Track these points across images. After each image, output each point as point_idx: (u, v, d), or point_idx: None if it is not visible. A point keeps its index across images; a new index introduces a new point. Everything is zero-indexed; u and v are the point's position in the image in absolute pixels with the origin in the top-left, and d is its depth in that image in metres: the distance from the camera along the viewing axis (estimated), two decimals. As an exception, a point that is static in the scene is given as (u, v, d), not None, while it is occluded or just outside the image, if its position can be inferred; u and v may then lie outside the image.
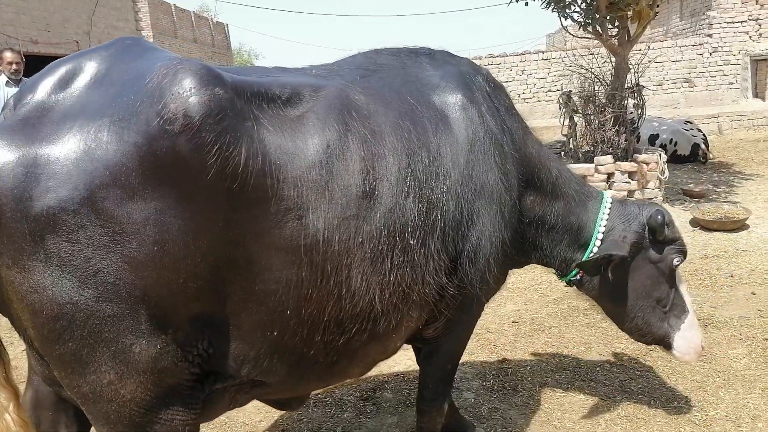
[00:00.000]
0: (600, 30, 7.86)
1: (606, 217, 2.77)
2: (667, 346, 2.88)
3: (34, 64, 10.92)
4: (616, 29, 8.05)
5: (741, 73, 16.84)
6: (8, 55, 7.02)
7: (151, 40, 23.94)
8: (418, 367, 2.85)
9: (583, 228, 2.78)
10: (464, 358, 4.00)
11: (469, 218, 2.25)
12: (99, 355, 1.61)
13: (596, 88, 8.10)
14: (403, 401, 3.52)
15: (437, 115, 2.24)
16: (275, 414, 3.40)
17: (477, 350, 4.16)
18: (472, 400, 3.49)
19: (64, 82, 1.67)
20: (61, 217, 1.51)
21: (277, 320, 1.83)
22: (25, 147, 1.54)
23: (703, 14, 17.27)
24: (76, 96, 1.65)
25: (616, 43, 8.03)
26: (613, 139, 7.77)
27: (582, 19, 8.07)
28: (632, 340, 3.28)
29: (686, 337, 2.82)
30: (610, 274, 2.68)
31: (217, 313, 1.75)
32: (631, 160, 7.56)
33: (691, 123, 11.50)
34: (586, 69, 8.01)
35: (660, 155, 7.64)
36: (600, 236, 2.75)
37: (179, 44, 28.20)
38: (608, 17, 7.68)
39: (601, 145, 7.87)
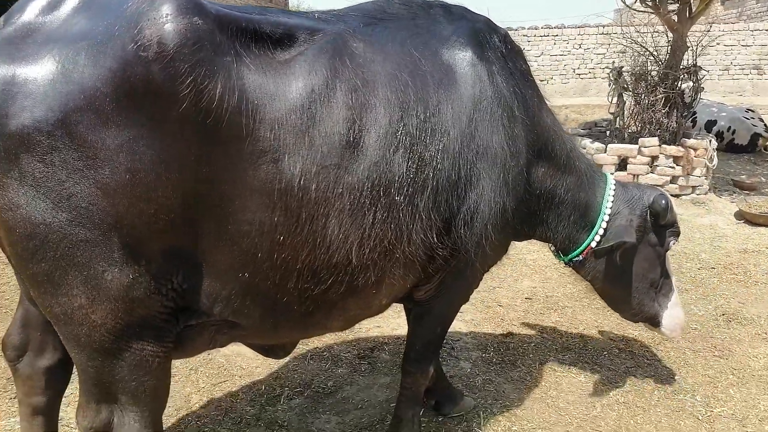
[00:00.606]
0: (658, 3, 7.38)
1: (611, 199, 2.73)
2: (656, 324, 2.96)
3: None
4: (677, 5, 7.55)
5: (818, 63, 15.70)
6: None
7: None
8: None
9: (590, 207, 2.73)
10: (468, 328, 3.96)
11: (467, 180, 2.15)
12: (71, 278, 1.62)
13: (649, 65, 7.66)
14: (399, 364, 3.47)
15: (442, 70, 2.14)
16: (272, 362, 3.44)
17: (483, 322, 4.09)
18: (468, 370, 3.44)
19: (52, 6, 1.65)
20: (36, 137, 1.50)
21: (249, 262, 1.80)
22: (4, 65, 1.53)
23: (784, -4, 16.08)
24: (61, 19, 1.63)
25: (675, 19, 7.55)
26: (661, 121, 7.37)
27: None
28: (644, 328, 3.28)
29: (672, 314, 2.92)
30: (615, 258, 2.68)
31: (190, 248, 1.74)
32: (678, 145, 7.17)
33: (753, 111, 10.81)
34: (640, 45, 7.57)
35: (710, 141, 7.22)
36: (606, 218, 2.71)
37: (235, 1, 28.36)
38: (670, -10, 7.20)
39: (648, 126, 7.48)
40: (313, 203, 1.81)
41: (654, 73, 7.59)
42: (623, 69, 8.11)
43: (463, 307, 4.18)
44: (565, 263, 2.89)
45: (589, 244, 2.74)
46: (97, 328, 1.69)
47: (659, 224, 2.77)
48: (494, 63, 2.27)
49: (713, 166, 7.24)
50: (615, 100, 8.14)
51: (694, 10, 7.54)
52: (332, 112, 1.83)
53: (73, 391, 2.77)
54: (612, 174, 7.17)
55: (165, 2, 1.58)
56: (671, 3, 7.66)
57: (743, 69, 16.10)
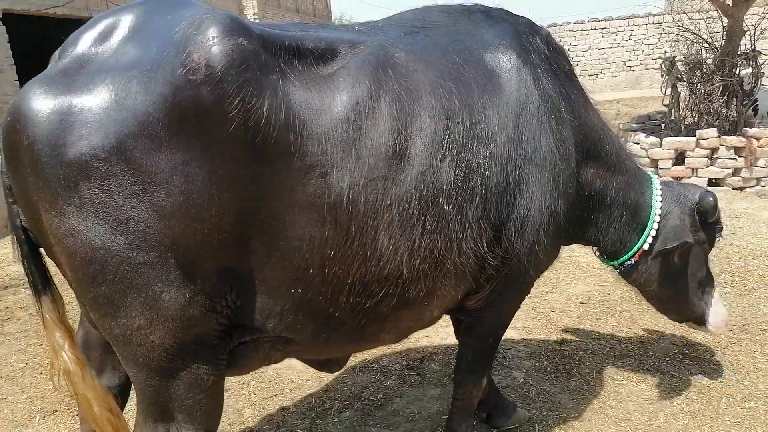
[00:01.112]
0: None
1: (660, 199, 2.68)
2: (702, 322, 2.90)
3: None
4: (733, -13, 7.19)
5: None
6: None
7: (256, 9, 24.70)
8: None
9: (640, 207, 2.68)
10: (520, 336, 3.86)
11: (516, 185, 2.12)
12: (130, 300, 1.65)
13: (704, 53, 7.32)
14: (449, 374, 3.43)
15: (486, 76, 2.12)
16: (322, 375, 3.45)
17: (536, 329, 3.98)
18: (521, 380, 3.34)
19: (103, 36, 1.70)
20: (93, 164, 1.54)
21: (300, 278, 1.81)
22: (61, 96, 1.57)
23: None
24: (112, 49, 1.67)
25: (730, 3, 7.18)
26: (720, 111, 7.02)
27: (691, -24, 7.26)
28: (691, 327, 3.13)
29: (717, 311, 2.86)
30: (669, 259, 2.64)
31: (242, 266, 1.75)
32: (739, 135, 6.80)
33: (822, 95, 10.13)
34: (693, 32, 7.25)
35: (775, 130, 6.82)
36: (657, 218, 2.67)
37: (282, 14, 28.90)
38: (723, -27, 6.86)
39: (706, 117, 7.15)
40: (362, 216, 1.80)
41: (709, 61, 7.26)
42: (676, 59, 7.78)
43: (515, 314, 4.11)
44: (614, 268, 2.79)
45: (641, 246, 2.66)
46: (155, 348, 1.72)
47: (707, 222, 2.72)
48: (538, 65, 2.24)
49: (779, 155, 6.83)
50: (669, 91, 7.82)
51: (750, -8, 7.17)
52: (378, 124, 1.82)
53: (131, 407, 2.86)
54: (670, 169, 6.93)
55: (211, 25, 1.62)
56: (725, -14, 7.31)
57: (809, 50, 15.16)
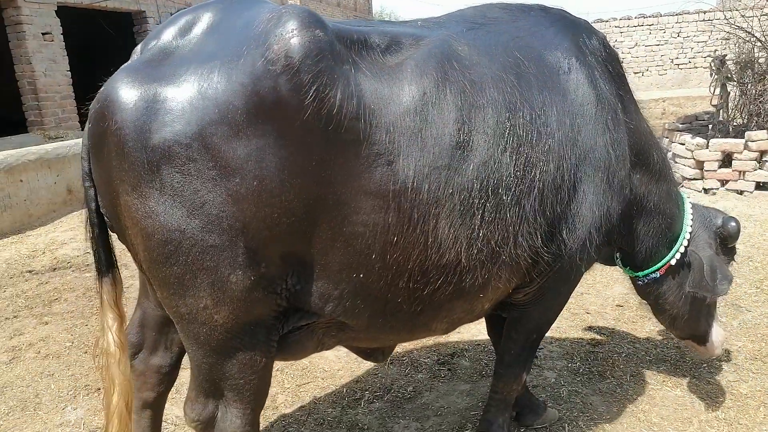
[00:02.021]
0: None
1: (691, 218, 2.73)
2: (704, 340, 2.96)
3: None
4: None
5: None
6: None
7: (298, 2, 24.97)
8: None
9: (675, 220, 2.70)
10: (554, 335, 3.83)
11: (571, 183, 2.16)
12: (199, 281, 1.73)
13: (756, 52, 7.06)
14: (479, 371, 3.45)
15: (545, 73, 2.16)
16: (353, 365, 3.51)
17: (570, 330, 3.94)
18: (552, 381, 3.32)
19: (184, 30, 1.81)
20: (175, 149, 1.63)
21: (362, 262, 1.86)
22: (147, 85, 1.67)
23: None
24: (193, 42, 1.78)
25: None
26: (771, 113, 6.77)
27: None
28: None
29: (716, 333, 2.93)
30: (687, 277, 2.72)
31: (306, 250, 1.81)
32: (790, 138, 6.55)
33: None
34: (744, 30, 7.00)
35: (830, 133, 6.53)
36: (687, 236, 2.71)
37: (323, 8, 29.06)
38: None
39: (756, 118, 6.91)
40: (425, 204, 1.86)
41: (762, 60, 6.99)
42: (726, 57, 7.53)
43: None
44: (638, 278, 2.80)
45: (669, 261, 2.70)
46: (218, 328, 1.80)
47: (727, 246, 2.80)
48: (595, 67, 2.30)
49: (833, 160, 6.54)
50: (718, 91, 7.58)
51: (808, -12, 6.87)
52: (443, 114, 1.88)
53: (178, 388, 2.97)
54: (716, 171, 6.73)
55: (291, 19, 1.70)
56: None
57: None
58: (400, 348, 3.73)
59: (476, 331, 3.87)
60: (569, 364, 3.48)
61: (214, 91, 1.64)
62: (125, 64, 1.81)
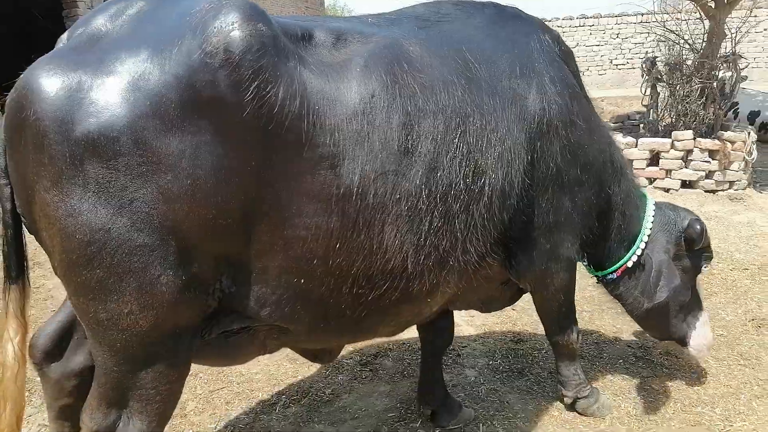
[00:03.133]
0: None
1: (651, 220, 2.73)
2: (684, 343, 2.96)
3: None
4: (715, -11, 7.17)
5: None
6: None
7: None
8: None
9: (633, 221, 2.73)
10: (478, 333, 3.83)
11: (523, 187, 2.17)
12: (125, 284, 1.59)
13: (684, 54, 7.30)
14: (402, 371, 3.40)
15: (497, 76, 2.12)
16: (272, 368, 3.40)
17: (494, 327, 3.95)
18: (472, 379, 3.31)
19: (115, 16, 1.67)
20: (101, 143, 1.50)
21: (303, 267, 1.79)
22: (70, 73, 1.53)
23: (839, -24, 15.11)
24: (124, 28, 1.63)
25: (713, 5, 7.16)
26: (697, 113, 7.01)
27: (673, -24, 7.23)
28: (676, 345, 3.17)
29: (700, 334, 2.91)
30: (646, 280, 2.76)
31: (243, 252, 1.73)
32: (714, 138, 6.80)
33: (801, 100, 10.20)
34: (674, 32, 7.22)
35: (749, 134, 6.83)
36: (645, 239, 2.72)
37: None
38: (704, -26, 6.83)
39: (683, 118, 7.14)
40: (371, 209, 1.80)
41: (689, 62, 7.23)
42: (657, 59, 7.76)
43: (474, 311, 4.07)
44: (598, 279, 2.87)
45: (625, 263, 2.74)
46: (140, 334, 1.67)
47: (693, 249, 2.76)
48: (550, 66, 2.27)
49: (752, 159, 6.85)
50: (648, 91, 7.81)
51: (732, -6, 7.14)
52: (391, 118, 1.82)
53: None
54: (645, 170, 6.92)
55: (232, 10, 1.60)
56: (706, -12, 7.28)
57: (794, 55, 15.25)
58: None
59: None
60: (490, 362, 3.49)
61: (146, 81, 1.53)
62: (49, 53, 1.65)
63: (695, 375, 3.30)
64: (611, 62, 16.01)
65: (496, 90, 2.09)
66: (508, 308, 4.20)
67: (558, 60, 2.34)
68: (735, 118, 10.17)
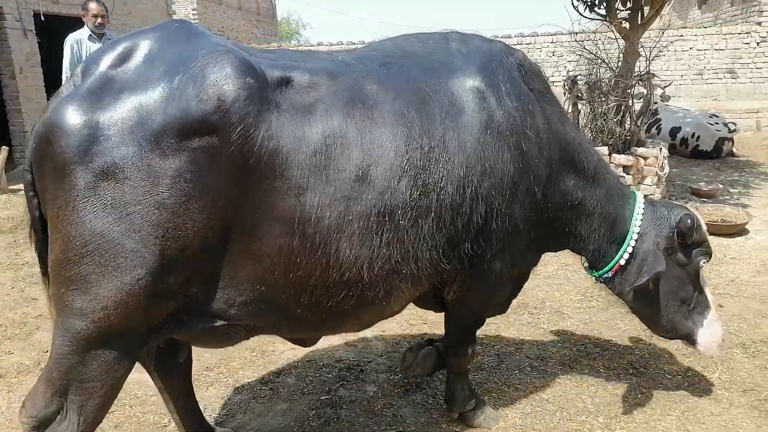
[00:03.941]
0: (605, 11, 7.36)
1: (640, 218, 2.83)
2: (692, 342, 2.99)
3: (55, 26, 11.05)
4: (629, 11, 7.53)
5: (791, 67, 15.69)
6: (93, 7, 6.86)
7: (195, 5, 24.05)
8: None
9: (619, 222, 2.85)
10: (387, 348, 3.88)
11: (474, 199, 2.37)
12: (107, 281, 1.88)
13: (602, 73, 7.63)
14: (302, 389, 3.41)
15: (450, 101, 2.36)
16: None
17: (403, 341, 4.01)
18: (371, 394, 3.35)
19: (122, 59, 1.97)
20: (112, 171, 1.85)
21: (267, 277, 2.09)
22: (90, 113, 1.87)
23: (753, 0, 16.10)
24: (131, 71, 1.95)
25: (627, 27, 7.52)
26: (614, 130, 7.32)
27: (588, -1, 7.57)
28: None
29: (708, 333, 2.92)
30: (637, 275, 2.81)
31: (218, 263, 2.04)
32: (628, 153, 7.12)
33: (717, 116, 10.78)
34: (591, 51, 7.55)
35: (660, 150, 7.17)
36: (635, 236, 2.82)
37: (223, 11, 28.10)
38: (617, -2, 7.17)
39: (600, 135, 7.44)
40: (327, 230, 2.09)
41: (606, 81, 7.56)
42: (578, 77, 8.08)
43: (386, 326, 4.12)
44: (596, 279, 2.99)
45: (618, 261, 2.84)
46: (107, 329, 1.92)
47: (686, 243, 2.83)
48: (503, 87, 2.47)
49: (665, 174, 7.19)
50: (570, 109, 8.10)
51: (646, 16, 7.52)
52: (345, 152, 2.11)
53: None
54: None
55: (226, 65, 1.94)
56: (622, 10, 7.64)
57: (717, 73, 16.08)
58: (226, 368, 3.63)
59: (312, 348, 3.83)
60: (391, 377, 3.53)
61: (151, 122, 1.86)
62: (69, 91, 1.97)
63: (585, 384, 3.43)
64: (549, 79, 16.51)
65: (448, 115, 2.33)
66: (420, 322, 4.30)
67: (516, 78, 2.53)
68: (658, 134, 10.67)
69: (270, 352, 3.82)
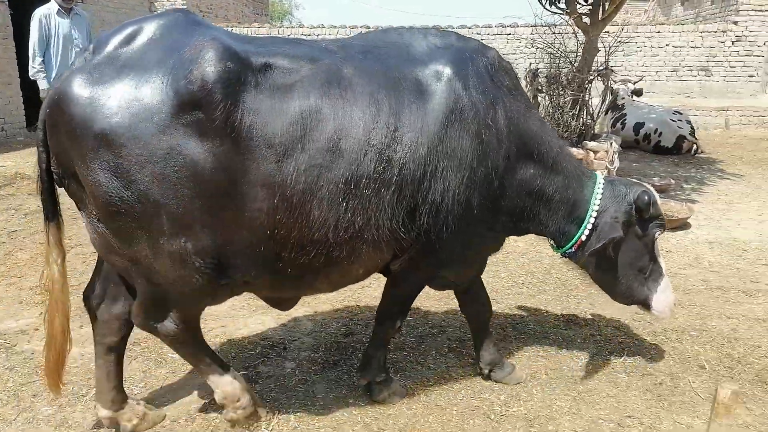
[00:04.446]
0: (565, 6, 7.48)
1: (599, 196, 3.06)
2: (647, 307, 3.27)
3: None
4: (590, 6, 7.66)
5: (763, 66, 15.93)
6: None
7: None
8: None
9: (578, 203, 3.08)
10: (314, 328, 4.01)
11: (432, 177, 2.62)
12: (138, 236, 2.36)
13: (561, 67, 7.78)
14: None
15: (419, 88, 2.62)
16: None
17: (331, 321, 4.15)
18: (288, 371, 3.49)
19: (128, 40, 2.34)
20: (111, 137, 2.21)
21: (256, 238, 2.44)
22: (93, 85, 2.24)
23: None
24: (134, 52, 2.32)
25: (588, 22, 7.66)
26: (570, 123, 7.49)
27: (548, -7, 7.69)
28: (642, 311, 3.44)
29: (662, 298, 3.22)
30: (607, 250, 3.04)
31: (215, 225, 2.38)
32: (579, 147, 7.29)
33: (680, 114, 10.97)
34: (550, 45, 7.68)
35: (611, 144, 7.34)
36: (594, 214, 3.06)
37: (210, -1, 27.76)
38: (575, -7, 7.29)
39: (557, 128, 7.60)
40: (301, 193, 2.40)
41: (565, 74, 7.71)
42: (539, 71, 8.22)
43: (315, 305, 4.27)
44: (561, 255, 3.24)
45: (579, 237, 3.09)
46: (157, 269, 2.44)
47: (643, 217, 3.07)
48: (470, 80, 2.68)
49: (614, 168, 7.36)
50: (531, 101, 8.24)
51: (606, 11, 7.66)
52: (319, 125, 2.42)
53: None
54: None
55: (209, 51, 2.28)
56: (583, 5, 7.76)
57: (691, 70, 16.30)
58: (152, 343, 3.75)
59: (243, 326, 3.96)
60: (312, 355, 3.68)
61: (146, 95, 2.22)
62: (78, 65, 2.34)
63: (441, 380, 3.44)
64: (525, 69, 16.61)
65: (415, 99, 2.58)
66: (355, 303, 4.45)
67: (483, 74, 2.74)
68: (623, 129, 10.86)
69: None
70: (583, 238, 3.07)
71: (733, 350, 3.79)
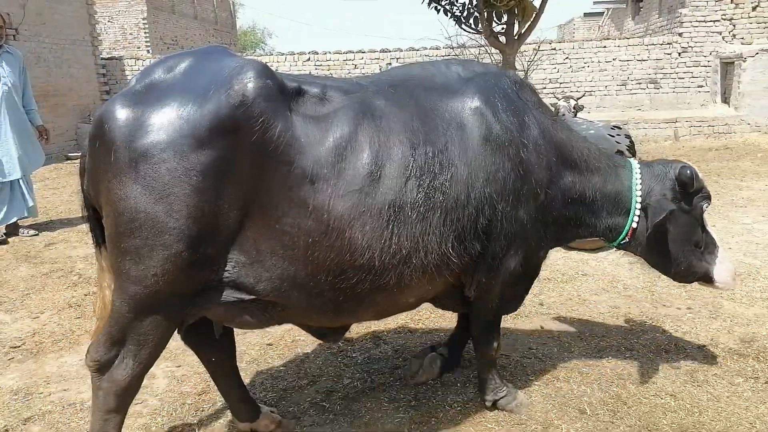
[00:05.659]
0: (474, 25, 7.34)
1: (639, 181, 3.09)
2: (709, 280, 3.25)
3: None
4: (504, 26, 7.53)
5: (711, 76, 16.04)
6: None
7: (145, 14, 23.51)
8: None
9: (620, 195, 3.12)
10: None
11: (478, 203, 2.63)
12: (156, 254, 2.23)
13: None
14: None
15: (451, 117, 2.67)
16: None
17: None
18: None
19: (168, 70, 2.38)
20: (152, 152, 2.19)
21: (288, 254, 2.38)
22: (136, 107, 2.24)
23: (676, 11, 16.45)
24: (175, 79, 2.35)
25: (504, 41, 7.51)
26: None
27: (459, 13, 7.55)
28: (704, 286, 3.47)
29: (723, 269, 3.21)
30: (656, 231, 3.05)
31: (245, 238, 2.35)
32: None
33: (619, 128, 10.77)
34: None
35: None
36: (639, 200, 3.08)
37: (176, 20, 27.44)
38: (487, 12, 7.15)
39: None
40: (340, 217, 2.38)
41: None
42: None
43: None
44: (616, 248, 3.28)
45: (630, 226, 3.12)
46: (157, 292, 2.28)
47: (688, 192, 3.10)
48: (499, 104, 2.74)
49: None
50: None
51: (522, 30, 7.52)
52: (356, 152, 2.43)
53: None
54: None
55: (249, 70, 2.31)
56: (498, 23, 7.64)
57: (640, 83, 16.37)
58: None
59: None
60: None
61: (188, 114, 2.21)
62: (121, 91, 2.38)
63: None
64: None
65: (449, 127, 2.62)
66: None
67: (510, 94, 2.80)
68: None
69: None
70: (634, 225, 3.09)
71: (622, 389, 3.48)
